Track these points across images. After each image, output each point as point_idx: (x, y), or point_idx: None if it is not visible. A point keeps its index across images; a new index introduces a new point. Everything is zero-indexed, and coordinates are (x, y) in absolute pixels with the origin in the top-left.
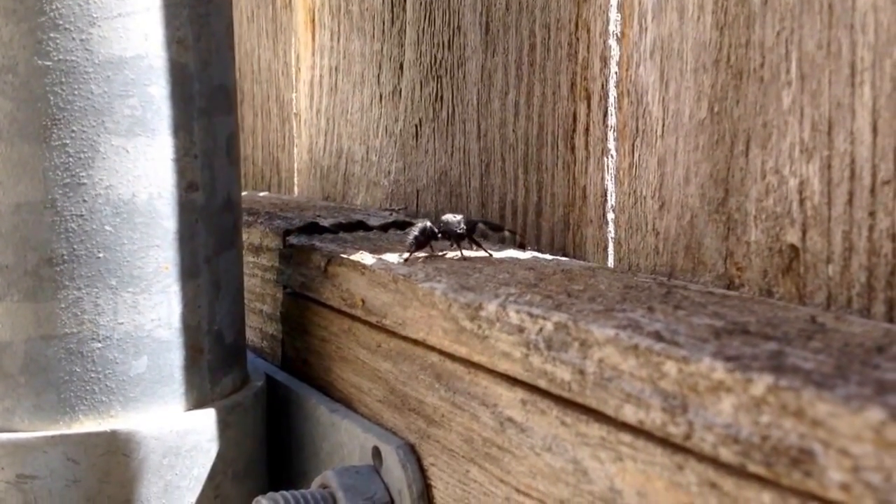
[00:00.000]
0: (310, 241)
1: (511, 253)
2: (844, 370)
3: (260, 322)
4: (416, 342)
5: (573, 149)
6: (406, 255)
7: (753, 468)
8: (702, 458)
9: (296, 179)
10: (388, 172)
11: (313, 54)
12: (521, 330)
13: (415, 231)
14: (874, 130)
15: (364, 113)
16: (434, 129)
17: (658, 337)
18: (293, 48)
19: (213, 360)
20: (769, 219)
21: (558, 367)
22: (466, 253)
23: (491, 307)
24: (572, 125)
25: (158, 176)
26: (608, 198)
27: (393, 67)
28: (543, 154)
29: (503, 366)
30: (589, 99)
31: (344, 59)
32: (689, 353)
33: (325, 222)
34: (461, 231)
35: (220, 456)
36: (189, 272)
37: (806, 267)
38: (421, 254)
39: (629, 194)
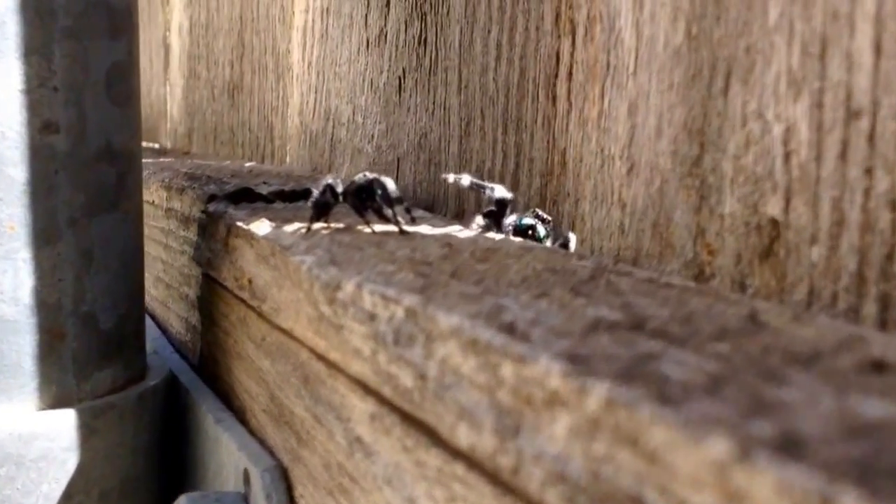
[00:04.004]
0: (225, 208)
1: (449, 229)
2: (723, 382)
3: (185, 310)
4: (288, 334)
5: (554, 99)
6: (307, 225)
7: None
8: (529, 502)
9: (287, 147)
10: (372, 137)
11: None
12: (372, 318)
13: (315, 194)
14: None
15: (351, 64)
16: (416, 80)
17: (508, 329)
18: None
19: (81, 350)
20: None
21: (402, 368)
22: (376, 227)
23: (349, 287)
24: (555, 68)
25: (3, 111)
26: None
27: (380, 5)
28: (523, 107)
29: (355, 367)
30: (574, 33)
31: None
32: (527, 350)
33: (264, 189)
34: (363, 198)
35: (80, 469)
36: (45, 236)
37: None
38: (337, 224)
39: (596, 154)
